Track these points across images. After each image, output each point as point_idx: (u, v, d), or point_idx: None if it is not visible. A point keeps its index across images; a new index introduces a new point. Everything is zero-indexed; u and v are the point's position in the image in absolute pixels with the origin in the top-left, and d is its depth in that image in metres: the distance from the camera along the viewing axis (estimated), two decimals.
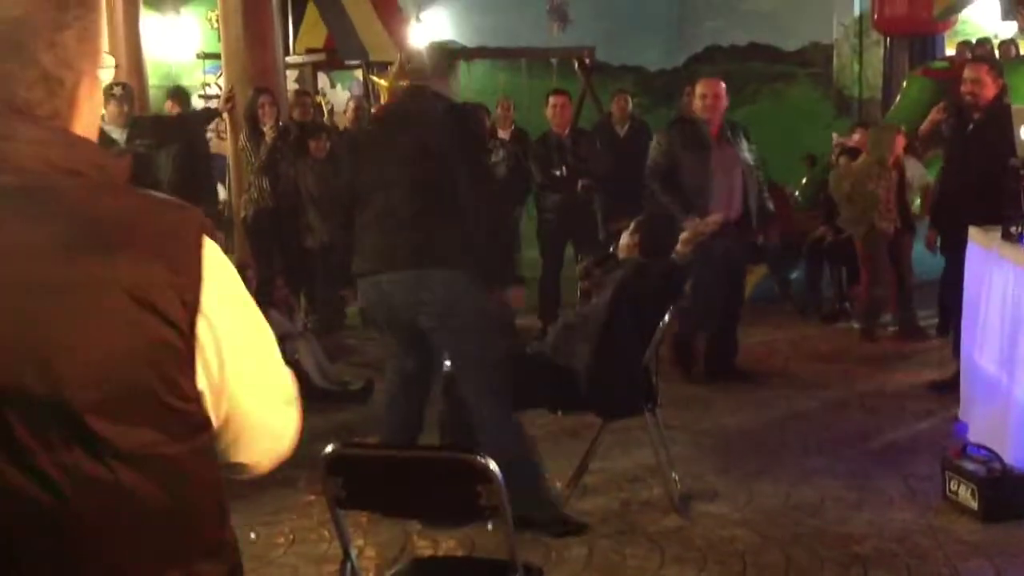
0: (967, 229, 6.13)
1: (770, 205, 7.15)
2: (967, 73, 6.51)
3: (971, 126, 6.40)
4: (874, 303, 8.14)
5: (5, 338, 1.23)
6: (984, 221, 5.83)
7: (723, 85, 6.84)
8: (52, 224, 1.25)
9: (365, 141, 4.99)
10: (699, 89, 6.85)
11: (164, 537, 1.33)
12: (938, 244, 7.10)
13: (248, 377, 1.41)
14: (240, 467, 1.48)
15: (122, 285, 1.26)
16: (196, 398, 1.34)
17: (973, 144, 6.35)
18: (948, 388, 6.39)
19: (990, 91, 6.32)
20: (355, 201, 4.62)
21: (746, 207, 6.79)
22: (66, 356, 1.24)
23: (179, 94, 10.42)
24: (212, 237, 1.36)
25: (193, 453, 1.34)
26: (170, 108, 9.89)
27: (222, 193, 10.58)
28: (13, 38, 1.24)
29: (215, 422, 1.38)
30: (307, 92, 9.90)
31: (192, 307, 1.30)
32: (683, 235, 5.77)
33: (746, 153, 6.89)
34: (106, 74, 1.39)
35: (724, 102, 6.82)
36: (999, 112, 6.32)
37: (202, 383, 1.34)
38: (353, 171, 4.71)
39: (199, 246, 1.33)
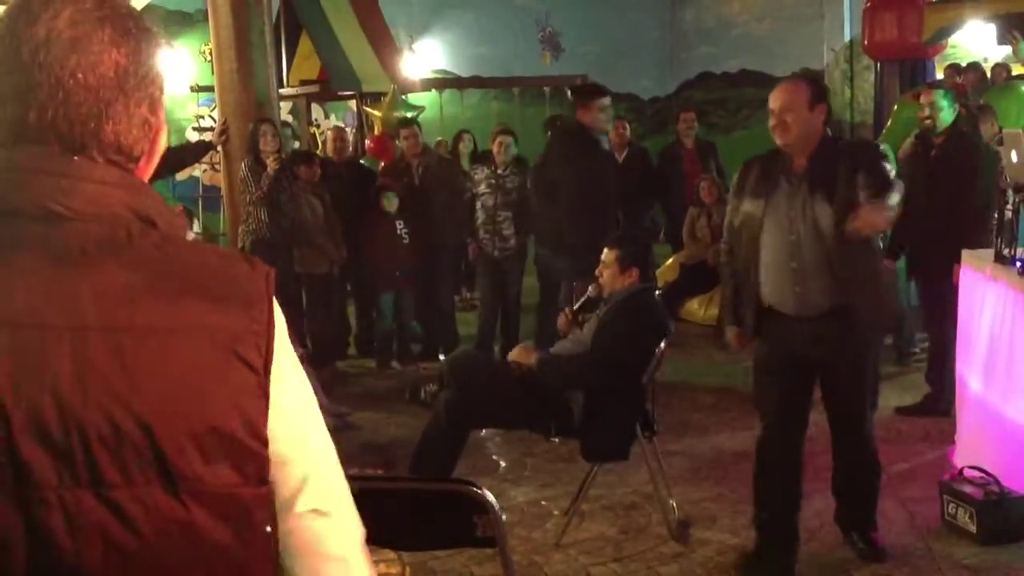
0: (931, 255, 6.23)
1: (881, 289, 4.55)
2: (923, 99, 6.52)
3: (933, 152, 6.41)
4: None
5: (97, 374, 1.28)
6: (947, 247, 5.90)
7: (802, 91, 4.27)
8: (138, 270, 1.32)
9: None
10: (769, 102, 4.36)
11: None
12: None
13: (302, 421, 1.47)
14: (316, 513, 1.45)
15: (207, 330, 1.33)
16: (267, 442, 1.40)
17: (935, 170, 6.35)
18: (918, 412, 6.52)
19: (947, 116, 6.33)
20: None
21: (842, 291, 4.26)
22: (155, 395, 1.29)
23: None
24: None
25: (259, 500, 1.38)
26: None
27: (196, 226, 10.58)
28: (120, 84, 1.38)
29: (271, 467, 1.42)
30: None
31: (267, 353, 1.38)
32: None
33: (855, 197, 4.15)
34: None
35: (800, 116, 4.21)
36: (959, 138, 6.37)
37: (270, 427, 1.40)
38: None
39: (270, 296, 1.41)
